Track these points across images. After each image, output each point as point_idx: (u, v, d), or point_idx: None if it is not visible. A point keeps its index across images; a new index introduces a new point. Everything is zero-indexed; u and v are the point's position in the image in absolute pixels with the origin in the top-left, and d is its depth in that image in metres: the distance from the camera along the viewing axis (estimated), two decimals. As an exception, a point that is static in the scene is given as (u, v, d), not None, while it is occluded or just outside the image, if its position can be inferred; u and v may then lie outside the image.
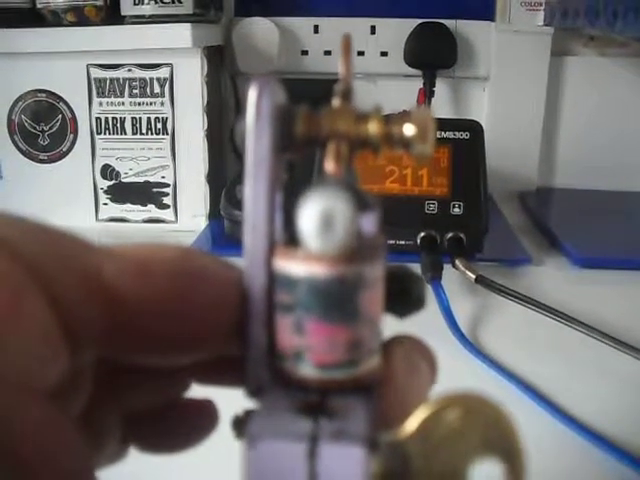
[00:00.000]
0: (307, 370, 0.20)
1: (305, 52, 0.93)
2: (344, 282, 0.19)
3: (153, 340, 0.20)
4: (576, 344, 0.54)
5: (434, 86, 0.91)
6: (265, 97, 0.20)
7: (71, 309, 0.19)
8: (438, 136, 0.68)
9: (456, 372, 0.52)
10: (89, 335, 0.19)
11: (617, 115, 0.96)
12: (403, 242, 0.68)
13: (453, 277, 0.63)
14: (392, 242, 0.68)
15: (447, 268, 0.62)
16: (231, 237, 0.72)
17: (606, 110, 0.96)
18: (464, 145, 0.67)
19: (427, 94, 0.91)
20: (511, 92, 0.93)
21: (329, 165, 0.21)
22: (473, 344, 0.53)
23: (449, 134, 0.68)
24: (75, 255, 0.20)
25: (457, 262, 0.62)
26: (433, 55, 0.91)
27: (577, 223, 0.82)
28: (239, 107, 0.94)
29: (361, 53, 0.92)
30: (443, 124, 0.68)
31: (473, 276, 0.60)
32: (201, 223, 0.81)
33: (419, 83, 0.93)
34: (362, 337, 0.19)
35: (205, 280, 0.21)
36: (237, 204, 0.71)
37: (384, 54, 0.93)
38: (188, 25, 0.75)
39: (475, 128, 0.68)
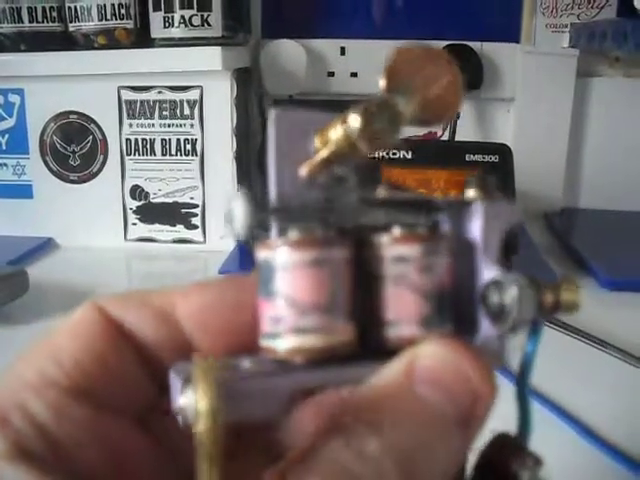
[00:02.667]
0: None
1: (331, 74, 0.94)
2: (265, 265, 0.21)
3: None
4: (608, 368, 0.54)
5: (460, 107, 0.91)
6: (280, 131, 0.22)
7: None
8: (467, 159, 0.68)
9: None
10: None
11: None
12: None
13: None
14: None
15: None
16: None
17: (631, 131, 0.96)
18: (493, 168, 0.68)
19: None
20: (536, 113, 0.94)
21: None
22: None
23: (478, 157, 0.68)
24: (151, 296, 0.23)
25: (487, 285, 0.62)
26: (459, 77, 0.91)
27: (603, 244, 0.82)
28: (266, 129, 0.95)
29: (387, 75, 0.93)
30: (472, 147, 0.69)
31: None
32: (229, 244, 0.81)
33: (445, 104, 0.93)
34: (280, 314, 0.20)
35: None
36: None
37: (410, 76, 0.93)
38: (218, 48, 0.76)
39: (504, 151, 0.68)
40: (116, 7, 0.82)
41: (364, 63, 0.93)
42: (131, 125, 0.81)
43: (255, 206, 0.20)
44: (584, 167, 0.98)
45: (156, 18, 0.82)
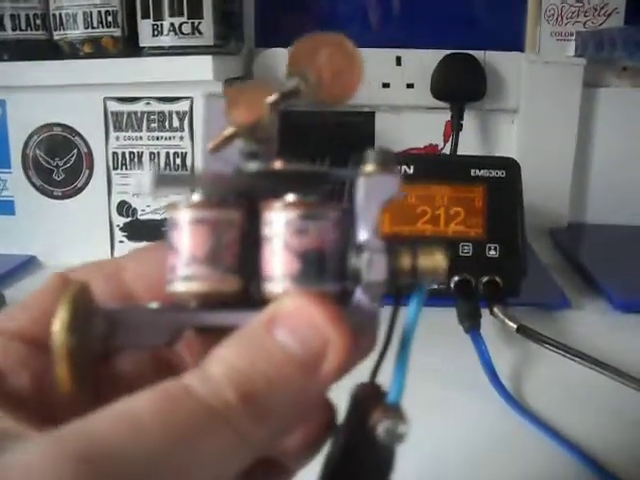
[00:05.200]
0: None
1: (328, 84, 0.90)
2: (168, 222, 0.24)
3: None
4: (625, 401, 0.50)
5: (462, 119, 0.88)
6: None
7: None
8: (473, 174, 0.64)
9: (498, 429, 0.49)
10: None
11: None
12: (436, 286, 0.64)
13: (491, 325, 0.59)
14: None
15: (484, 314, 0.58)
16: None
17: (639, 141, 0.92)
18: (500, 184, 0.64)
19: (454, 127, 0.88)
20: (541, 125, 0.90)
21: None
22: (516, 400, 0.49)
23: (484, 172, 0.64)
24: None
25: (496, 310, 0.58)
26: (461, 87, 0.88)
27: (613, 262, 0.78)
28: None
29: (386, 85, 0.89)
30: (478, 162, 0.65)
31: (514, 326, 0.56)
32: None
33: (446, 116, 0.90)
34: (173, 264, 0.24)
35: None
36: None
37: (410, 86, 0.90)
38: (209, 57, 0.72)
39: (511, 166, 0.65)
40: (103, 14, 0.78)
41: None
42: (118, 138, 0.77)
43: (157, 177, 0.23)
44: (591, 180, 0.94)
45: (145, 26, 0.78)
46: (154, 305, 0.25)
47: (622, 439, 0.47)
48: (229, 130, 0.25)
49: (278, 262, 0.23)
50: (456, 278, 0.63)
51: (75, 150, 0.79)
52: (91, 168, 0.79)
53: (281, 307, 0.22)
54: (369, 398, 0.26)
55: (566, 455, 0.44)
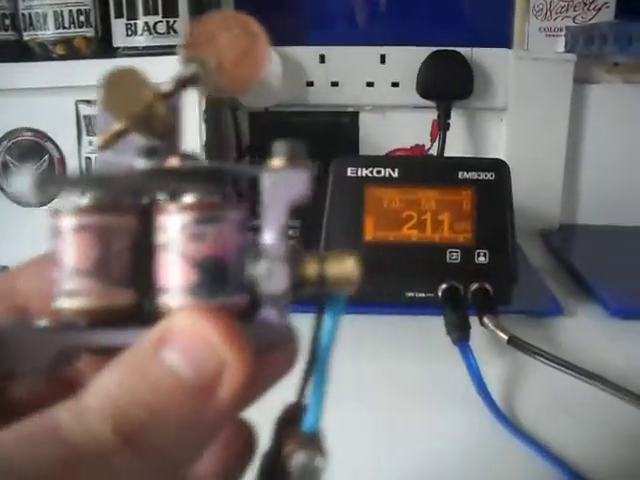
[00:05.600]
0: None
1: (310, 83, 0.87)
2: (51, 230, 0.22)
3: None
4: (622, 416, 0.47)
5: (449, 118, 0.85)
6: None
7: None
8: (460, 177, 0.62)
9: (487, 446, 0.46)
10: None
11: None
12: (423, 294, 0.61)
13: (481, 336, 0.56)
14: (411, 295, 0.62)
15: (473, 323, 0.55)
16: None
17: (632, 141, 0.90)
18: (489, 187, 0.61)
19: (441, 126, 0.85)
20: (531, 123, 0.88)
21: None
22: (506, 415, 0.47)
23: (472, 175, 0.61)
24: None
25: (486, 320, 0.55)
26: (447, 85, 0.85)
27: (607, 265, 0.76)
28: (241, 145, 0.88)
29: (370, 84, 0.87)
30: (465, 164, 0.62)
31: (505, 337, 0.53)
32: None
33: (433, 115, 0.87)
34: (55, 277, 0.22)
35: None
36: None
37: (395, 84, 0.87)
38: (184, 58, 0.69)
39: (501, 168, 0.62)
40: (75, 14, 0.75)
41: (345, 71, 0.86)
42: (91, 143, 0.74)
43: (40, 178, 0.22)
44: (583, 180, 0.92)
45: (118, 25, 0.75)
46: (43, 323, 0.22)
47: (617, 455, 0.44)
48: (118, 124, 0.23)
49: (173, 272, 0.21)
50: (444, 286, 0.60)
51: (47, 156, 0.76)
52: (64, 174, 0.75)
53: (172, 324, 0.20)
54: (291, 423, 0.23)
55: (559, 475, 0.41)
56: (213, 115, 0.80)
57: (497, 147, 0.89)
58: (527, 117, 0.88)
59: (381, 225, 0.61)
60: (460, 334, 0.53)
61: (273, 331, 0.22)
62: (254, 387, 0.21)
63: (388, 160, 0.65)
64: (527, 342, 0.52)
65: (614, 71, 0.89)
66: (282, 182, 0.22)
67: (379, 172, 0.62)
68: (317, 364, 0.23)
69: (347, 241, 0.62)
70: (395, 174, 0.62)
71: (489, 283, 0.60)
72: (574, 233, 0.91)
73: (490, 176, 0.61)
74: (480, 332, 0.56)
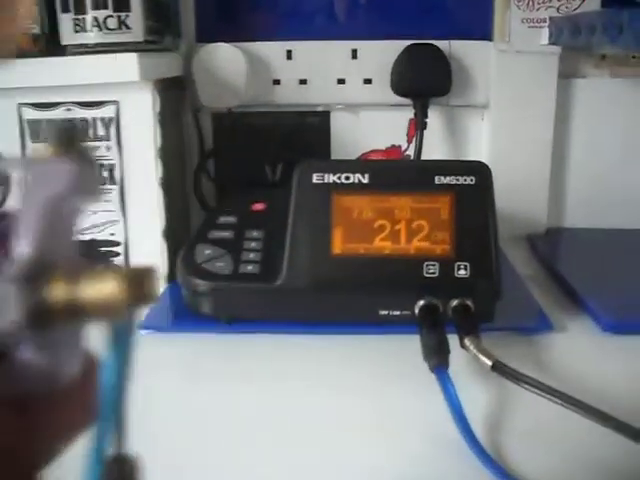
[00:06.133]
0: None
1: (277, 81, 0.81)
2: None
3: None
4: (619, 452, 0.41)
5: (426, 116, 0.80)
6: None
7: None
8: (437, 182, 0.56)
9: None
10: None
11: (634, 141, 0.84)
12: (398, 312, 0.56)
13: (462, 360, 0.50)
14: (385, 313, 0.56)
15: (453, 345, 0.49)
16: (192, 309, 0.60)
17: (621, 138, 0.84)
18: (469, 192, 0.56)
19: (418, 126, 0.80)
20: (514, 121, 0.82)
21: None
22: (491, 455, 0.41)
23: (450, 179, 0.56)
24: None
25: (467, 342, 0.50)
26: (424, 81, 0.79)
27: (599, 273, 0.70)
28: (203, 148, 0.82)
29: (341, 81, 0.81)
30: (443, 168, 0.56)
31: (489, 362, 0.47)
32: (159, 285, 0.69)
33: (409, 113, 0.81)
34: None
35: None
36: (199, 270, 0.58)
37: (368, 81, 0.81)
38: (134, 55, 0.63)
39: (482, 171, 0.56)
40: (19, 10, 0.69)
41: (314, 68, 0.80)
42: (36, 149, 0.68)
43: None
44: (570, 181, 0.86)
45: (65, 21, 0.69)
46: None
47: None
48: None
49: None
50: (421, 302, 0.54)
51: (-12, 164, 0.69)
52: (7, 184, 0.69)
53: None
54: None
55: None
56: (168, 118, 0.73)
57: (478, 147, 0.84)
58: (510, 114, 0.82)
59: (351, 237, 0.56)
60: (438, 360, 0.47)
61: (33, 374, 0.17)
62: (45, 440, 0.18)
63: (357, 164, 0.59)
64: (513, 368, 0.46)
65: (602, 65, 0.84)
66: (40, 177, 0.18)
67: (348, 178, 0.56)
68: (102, 410, 0.18)
69: (313, 255, 0.56)
70: (365, 180, 0.56)
71: (470, 299, 0.54)
72: (562, 237, 0.85)
73: (470, 180, 0.56)
74: (461, 356, 0.50)
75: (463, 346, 0.50)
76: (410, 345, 0.50)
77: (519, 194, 0.83)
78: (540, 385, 0.45)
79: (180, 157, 0.80)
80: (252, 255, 0.59)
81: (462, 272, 0.55)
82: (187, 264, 0.59)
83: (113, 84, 0.65)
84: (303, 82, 0.81)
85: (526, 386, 0.45)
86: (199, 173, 0.81)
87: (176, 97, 0.80)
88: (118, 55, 0.65)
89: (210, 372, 0.53)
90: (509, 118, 0.82)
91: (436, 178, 0.56)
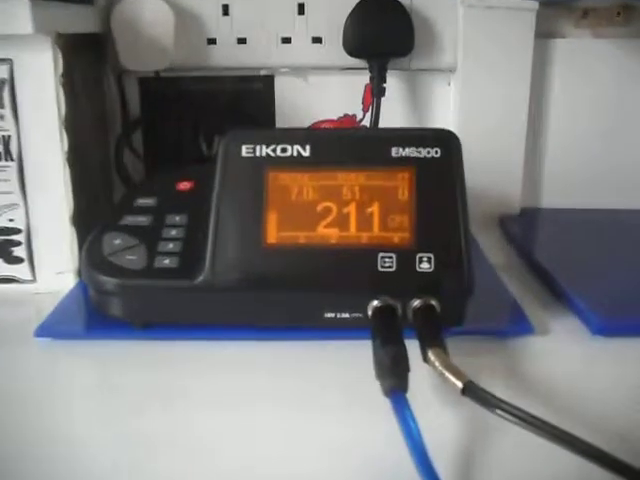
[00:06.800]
0: None
1: (212, 41, 0.70)
2: None
3: None
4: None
5: (384, 81, 0.69)
6: None
7: None
8: (395, 154, 0.46)
9: None
10: None
11: (616, 111, 0.75)
12: (347, 315, 0.46)
13: (424, 377, 0.40)
14: (331, 315, 0.46)
15: (414, 359, 0.39)
16: (99, 312, 0.49)
17: (605, 106, 0.75)
18: (434, 167, 0.45)
19: (375, 92, 0.69)
20: (484, 86, 0.72)
21: None
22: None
23: (411, 151, 0.46)
24: None
25: (431, 356, 0.39)
26: (382, 40, 0.69)
27: (583, 262, 0.61)
28: (127, 117, 0.71)
29: (286, 40, 0.70)
30: (402, 137, 0.46)
31: (459, 384, 0.37)
32: (69, 281, 0.58)
33: (365, 78, 0.71)
34: None
35: None
36: (105, 265, 0.48)
37: (317, 40, 0.70)
38: (26, 2, 0.52)
39: (449, 141, 0.46)
40: None
41: (255, 25, 0.69)
42: None
43: None
44: (547, 154, 0.77)
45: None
46: None
47: None
48: None
49: None
50: (374, 303, 0.44)
51: None
52: None
53: None
54: None
55: None
56: (87, 81, 0.62)
57: (444, 117, 0.74)
58: (480, 79, 0.72)
59: (288, 223, 0.45)
60: (393, 381, 0.37)
61: None
62: None
63: (296, 134, 0.48)
64: (490, 393, 0.36)
65: (583, 23, 0.74)
66: None
67: (285, 150, 0.46)
68: None
69: (242, 245, 0.45)
70: (306, 152, 0.46)
71: (435, 298, 0.44)
72: (539, 219, 0.76)
73: (435, 152, 0.46)
74: (423, 372, 0.40)
75: (426, 360, 0.40)
76: (362, 352, 0.40)
77: (489, 170, 0.73)
78: (522, 414, 0.35)
79: (101, 128, 0.69)
80: (171, 245, 0.48)
81: (425, 265, 0.44)
82: (91, 257, 0.49)
83: (3, 38, 0.53)
84: (242, 41, 0.70)
85: (506, 416, 0.35)
86: (121, 146, 0.69)
87: (94, 58, 0.69)
88: (9, 1, 0.53)
89: (120, 388, 0.43)
90: (479, 83, 0.72)
91: (393, 150, 0.46)
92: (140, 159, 0.72)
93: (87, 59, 0.66)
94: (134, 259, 0.48)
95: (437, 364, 0.39)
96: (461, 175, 0.46)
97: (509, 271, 0.60)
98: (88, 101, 0.65)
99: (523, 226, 0.72)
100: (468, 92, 0.72)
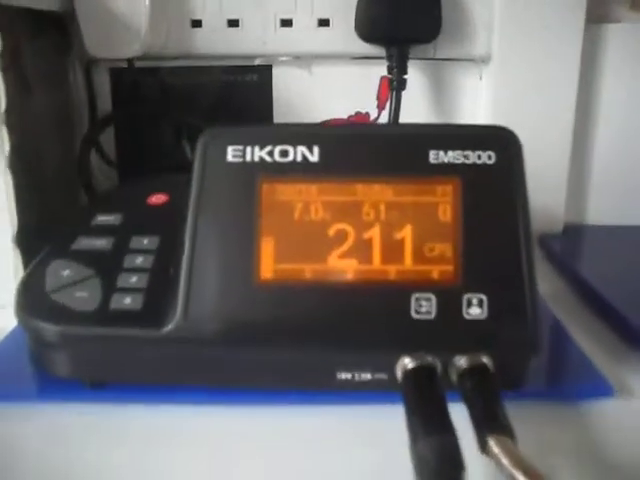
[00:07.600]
0: None
1: (197, 23, 0.59)
2: None
3: None
4: None
5: (405, 72, 0.59)
6: None
7: None
8: (433, 160, 0.34)
9: None
10: None
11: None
12: (369, 376, 0.34)
13: (477, 471, 0.29)
14: (347, 376, 0.34)
15: (467, 446, 0.27)
16: (40, 366, 0.38)
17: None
18: (486, 177, 0.34)
19: (395, 85, 0.58)
20: (523, 81, 0.62)
21: None
22: None
23: (456, 156, 0.34)
24: None
25: (493, 445, 0.28)
26: (402, 23, 0.58)
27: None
28: (95, 114, 0.60)
29: (287, 22, 0.59)
30: (444, 137, 0.35)
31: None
32: (12, 318, 0.47)
33: (381, 68, 0.60)
34: None
35: None
36: (46, 305, 0.36)
37: (324, 23, 0.60)
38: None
39: (507, 143, 0.35)
40: None
41: (249, 4, 0.59)
42: None
43: None
44: (594, 163, 0.66)
45: None
46: None
47: None
48: None
49: None
50: (406, 361, 0.32)
51: None
52: None
53: None
54: None
55: None
56: (45, 70, 0.51)
57: (473, 116, 0.64)
58: (518, 72, 0.62)
59: (289, 252, 0.34)
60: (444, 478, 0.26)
61: None
62: None
63: (300, 132, 0.36)
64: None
65: (638, 6, 0.63)
66: None
67: (285, 154, 0.35)
68: None
69: (225, 282, 0.34)
70: (314, 157, 0.35)
71: (489, 355, 0.32)
72: (585, 238, 0.65)
73: (487, 158, 0.34)
74: (477, 462, 0.28)
75: (485, 450, 0.28)
76: (389, 425, 0.29)
77: (528, 180, 0.62)
78: None
79: (64, 127, 0.57)
80: (134, 279, 0.37)
81: (475, 310, 0.33)
82: (28, 294, 0.37)
83: None
84: (233, 24, 0.59)
85: None
86: (86, 148, 0.58)
87: (57, 44, 0.58)
88: None
89: (64, 463, 0.31)
90: (517, 77, 0.62)
91: (431, 154, 0.34)
92: (112, 165, 0.61)
93: (46, 44, 0.55)
94: (84, 297, 0.36)
95: (504, 461, 0.27)
96: (523, 188, 0.35)
97: (560, 304, 0.49)
98: (46, 94, 0.54)
99: (569, 247, 0.61)
100: (503, 87, 0.62)
